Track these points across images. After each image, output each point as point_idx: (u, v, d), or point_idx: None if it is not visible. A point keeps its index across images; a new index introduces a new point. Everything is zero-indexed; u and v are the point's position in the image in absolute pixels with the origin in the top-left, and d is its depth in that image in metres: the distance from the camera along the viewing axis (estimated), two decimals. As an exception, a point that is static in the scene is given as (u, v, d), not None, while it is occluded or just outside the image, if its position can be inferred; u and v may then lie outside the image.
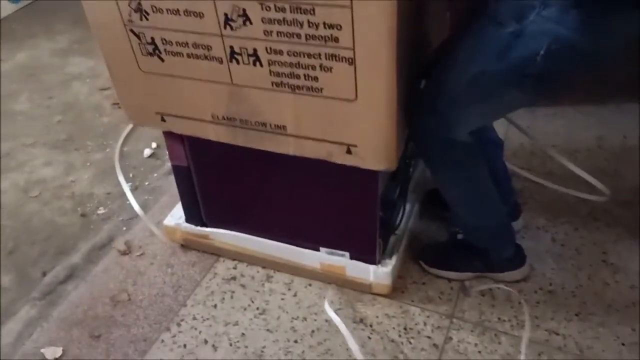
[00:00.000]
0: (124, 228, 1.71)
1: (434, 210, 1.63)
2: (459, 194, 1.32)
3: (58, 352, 1.34)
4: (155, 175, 1.92)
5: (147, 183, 1.89)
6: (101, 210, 1.79)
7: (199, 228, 1.53)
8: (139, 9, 1.10)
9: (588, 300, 1.36)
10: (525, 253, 1.42)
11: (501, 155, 1.49)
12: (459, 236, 1.49)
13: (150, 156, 2.01)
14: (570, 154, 1.66)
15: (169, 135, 1.37)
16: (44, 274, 1.57)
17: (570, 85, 1.21)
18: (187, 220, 1.54)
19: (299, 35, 1.01)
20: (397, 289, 1.42)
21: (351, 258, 1.39)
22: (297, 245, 1.44)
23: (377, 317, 1.36)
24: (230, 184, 1.42)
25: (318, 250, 1.41)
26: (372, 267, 1.37)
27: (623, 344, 1.25)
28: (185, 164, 1.41)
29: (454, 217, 1.43)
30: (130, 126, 2.13)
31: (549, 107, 2.00)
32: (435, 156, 1.26)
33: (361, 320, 1.35)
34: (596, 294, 1.37)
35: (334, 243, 1.39)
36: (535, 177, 1.70)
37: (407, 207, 1.55)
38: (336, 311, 1.36)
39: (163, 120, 1.29)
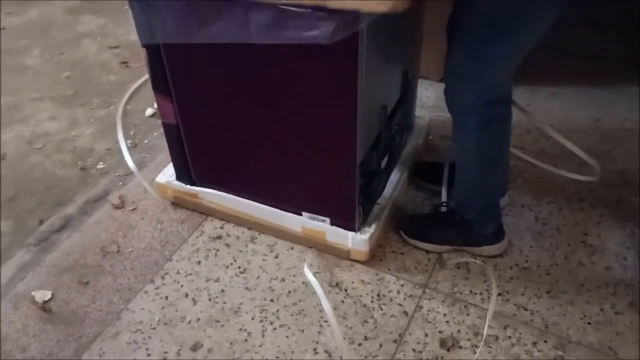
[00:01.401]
0: (120, 183, 1.76)
1: (422, 182, 1.65)
2: (478, 156, 1.32)
3: (47, 295, 1.40)
4: (155, 134, 1.96)
5: (146, 141, 1.94)
6: (100, 165, 1.85)
7: (188, 188, 1.57)
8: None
9: (561, 279, 1.38)
10: (504, 229, 1.44)
11: None
12: (443, 209, 1.52)
13: (152, 115, 2.05)
14: (565, 133, 1.65)
15: (158, 92, 1.40)
16: (41, 222, 1.64)
17: None
18: (178, 178, 1.58)
19: None
20: (376, 257, 1.45)
21: (331, 224, 1.42)
22: (281, 209, 1.47)
23: (352, 282, 1.40)
24: (217, 143, 1.45)
25: (301, 214, 1.45)
26: (350, 234, 1.41)
27: (589, 323, 1.27)
28: (175, 121, 1.45)
29: (458, 185, 1.43)
30: (135, 85, 2.17)
31: (549, 86, 1.99)
32: (470, 113, 1.26)
33: (337, 285, 1.39)
34: (570, 273, 1.39)
35: (315, 208, 1.42)
36: (526, 156, 1.71)
37: (395, 177, 1.58)
38: (314, 274, 1.40)
39: None
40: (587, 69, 2.07)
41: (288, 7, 1.04)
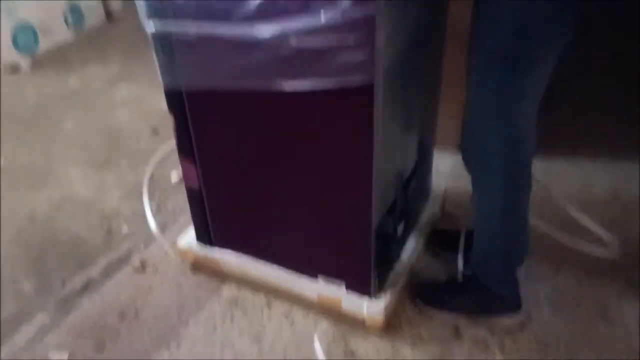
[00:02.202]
0: (142, 246, 1.81)
1: (438, 249, 1.65)
2: (503, 203, 1.32)
3: (64, 356, 1.42)
4: (179, 198, 2.02)
5: (169, 205, 1.99)
6: (124, 228, 1.90)
7: (207, 251, 1.60)
8: None
9: (580, 352, 1.34)
10: (522, 299, 1.42)
11: None
12: (459, 277, 1.51)
13: (177, 180, 2.12)
14: (583, 204, 1.65)
15: (183, 156, 1.47)
16: (63, 284, 1.68)
17: None
18: (198, 238, 1.62)
19: None
20: (391, 325, 1.44)
21: (347, 289, 1.43)
22: (297, 270, 1.49)
23: (367, 352, 1.38)
24: (236, 204, 1.50)
25: (316, 277, 1.46)
26: (366, 302, 1.41)
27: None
28: (197, 184, 1.50)
29: (477, 243, 1.42)
30: (162, 151, 2.26)
31: (566, 156, 1.99)
32: (496, 155, 1.27)
33: (352, 353, 1.38)
34: (589, 347, 1.35)
35: (332, 271, 1.44)
36: (544, 225, 1.70)
37: (411, 244, 1.59)
38: (328, 344, 1.39)
39: None
40: (605, 140, 2.08)
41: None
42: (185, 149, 1.46)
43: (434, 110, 1.67)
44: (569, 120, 2.08)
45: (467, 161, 1.37)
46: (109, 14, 3.50)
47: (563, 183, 1.87)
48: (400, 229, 1.50)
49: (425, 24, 1.32)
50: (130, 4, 3.53)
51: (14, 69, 3.04)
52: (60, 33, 3.25)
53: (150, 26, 1.23)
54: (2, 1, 2.93)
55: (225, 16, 1.13)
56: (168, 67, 1.31)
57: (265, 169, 1.38)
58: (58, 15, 3.22)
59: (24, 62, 3.06)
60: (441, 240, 1.66)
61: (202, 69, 1.26)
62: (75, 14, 3.30)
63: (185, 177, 1.53)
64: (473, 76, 1.26)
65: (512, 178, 1.29)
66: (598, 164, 1.96)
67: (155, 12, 1.21)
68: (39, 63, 3.10)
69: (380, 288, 1.44)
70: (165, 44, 1.27)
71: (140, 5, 1.22)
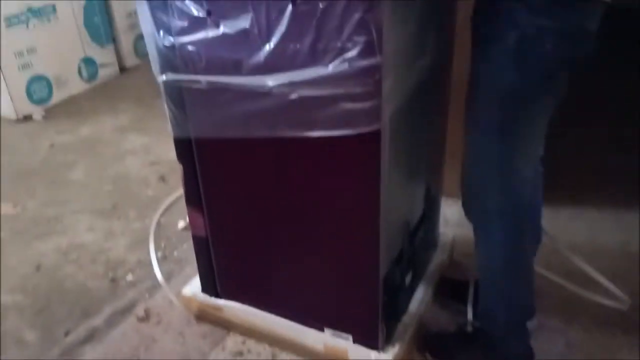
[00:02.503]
0: (147, 295, 1.79)
1: (447, 300, 1.63)
2: (503, 261, 1.31)
3: (64, 409, 1.40)
4: (185, 246, 2.02)
5: (175, 254, 1.99)
6: (129, 277, 1.89)
7: (212, 301, 1.59)
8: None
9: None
10: (534, 354, 1.39)
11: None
12: (468, 328, 1.48)
13: (184, 229, 2.12)
14: (591, 256, 1.63)
15: (191, 205, 1.47)
16: (66, 334, 1.66)
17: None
18: (203, 290, 1.61)
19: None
20: (399, 379, 1.41)
21: (354, 341, 1.40)
22: (303, 323, 1.47)
23: (374, 405, 1.35)
24: (243, 254, 1.49)
25: (323, 330, 1.44)
26: (373, 354, 1.38)
27: None
28: (204, 234, 1.50)
29: (483, 295, 1.41)
30: (170, 199, 2.27)
31: (573, 207, 1.99)
32: (494, 212, 1.27)
33: (358, 408, 1.34)
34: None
35: (338, 323, 1.41)
36: (553, 276, 1.67)
37: (420, 294, 1.57)
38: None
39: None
40: (612, 190, 2.08)
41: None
42: (193, 198, 1.47)
43: (440, 158, 1.68)
44: (574, 169, 2.09)
45: (468, 212, 1.37)
46: (122, 68, 3.59)
47: (569, 233, 1.86)
48: (408, 278, 1.48)
49: (430, 73, 1.35)
50: (144, 58, 3.64)
51: (27, 118, 3.11)
52: (74, 85, 3.33)
53: (162, 77, 1.26)
54: (18, 55, 3.02)
55: (236, 68, 1.16)
56: (178, 116, 1.34)
57: (272, 218, 1.38)
58: (73, 68, 3.31)
59: (36, 112, 3.13)
60: (450, 290, 1.64)
61: (211, 118, 1.29)
62: (89, 67, 3.39)
63: (193, 225, 1.53)
64: (467, 138, 1.28)
65: (513, 233, 1.29)
66: (604, 214, 1.96)
67: (167, 64, 1.24)
68: (52, 113, 3.17)
69: (388, 340, 1.41)
70: (176, 94, 1.30)
71: (153, 57, 1.25)
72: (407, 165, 1.38)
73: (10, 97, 3.04)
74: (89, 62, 3.38)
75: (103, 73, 3.47)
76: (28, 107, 3.12)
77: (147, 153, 2.70)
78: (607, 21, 1.15)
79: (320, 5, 1.03)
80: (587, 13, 1.10)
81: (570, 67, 1.16)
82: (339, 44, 1.05)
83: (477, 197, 1.30)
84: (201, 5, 1.14)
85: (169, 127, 1.35)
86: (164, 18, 1.20)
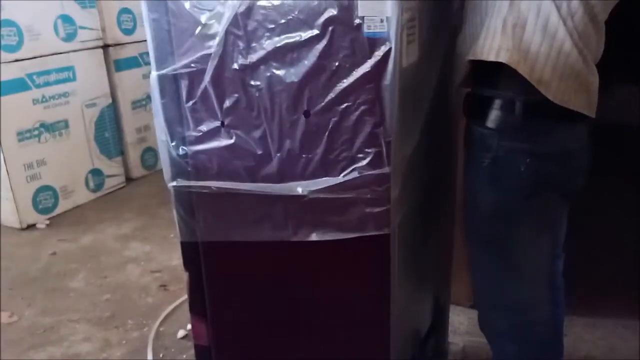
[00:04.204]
0: (143, 409, 1.70)
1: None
2: None
3: None
4: (185, 356, 1.95)
5: (174, 364, 1.91)
6: (125, 389, 1.80)
7: (213, 414, 1.50)
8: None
9: None
10: None
11: None
12: None
13: (184, 337, 2.06)
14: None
15: (195, 314, 1.44)
16: None
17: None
18: (203, 404, 1.52)
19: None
20: None
21: None
22: None
23: None
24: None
25: None
26: None
27: None
28: (207, 343, 1.45)
29: None
30: (170, 307, 2.22)
31: (588, 316, 1.94)
32: (505, 332, 1.23)
33: None
34: None
35: None
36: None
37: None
38: None
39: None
40: (628, 300, 2.04)
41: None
42: (197, 306, 1.43)
43: (448, 265, 1.68)
44: (589, 275, 2.06)
45: (482, 328, 1.33)
46: (129, 179, 3.67)
47: (585, 344, 1.80)
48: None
49: (436, 179, 1.39)
50: (151, 169, 3.74)
51: (30, 227, 3.12)
52: (80, 195, 3.38)
53: (173, 183, 1.29)
54: (27, 167, 3.09)
55: (247, 175, 1.20)
56: (186, 220, 1.35)
57: (279, 323, 1.35)
58: (80, 179, 3.38)
59: (40, 222, 3.15)
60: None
61: (220, 222, 1.30)
62: (96, 178, 3.47)
63: (195, 335, 1.48)
64: (469, 251, 1.28)
65: (529, 353, 1.24)
66: (622, 323, 1.91)
67: (179, 171, 1.28)
68: (56, 221, 3.19)
69: None
70: (185, 199, 1.32)
71: (165, 164, 1.29)
72: (416, 271, 1.37)
73: (16, 207, 3.07)
74: (96, 173, 3.46)
75: (109, 184, 3.54)
76: (33, 217, 3.14)
77: (148, 261, 2.68)
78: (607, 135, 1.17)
79: (333, 119, 1.10)
80: (565, 134, 1.12)
81: (557, 187, 1.16)
82: (349, 155, 1.10)
83: (485, 315, 1.27)
84: (216, 116, 1.20)
85: (177, 232, 1.36)
86: (179, 128, 1.25)
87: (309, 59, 1.08)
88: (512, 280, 1.19)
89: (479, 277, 1.26)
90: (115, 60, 3.48)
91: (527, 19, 1.05)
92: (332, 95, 1.08)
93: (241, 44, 1.13)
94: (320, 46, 1.07)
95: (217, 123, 1.20)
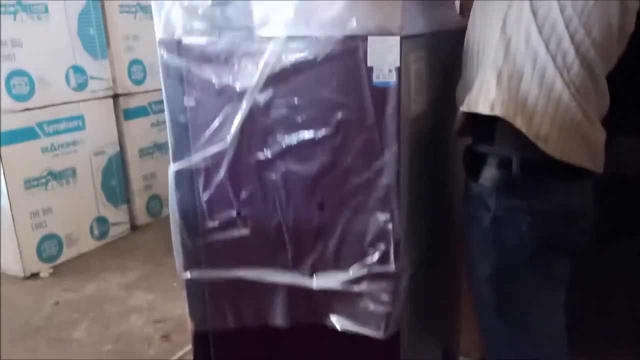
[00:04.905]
0: None
1: None
2: None
3: None
4: (186, 412, 1.89)
5: (176, 420, 1.85)
6: None
7: None
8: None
9: None
10: None
11: None
12: None
13: (186, 392, 2.00)
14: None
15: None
16: None
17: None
18: None
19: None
20: None
21: None
22: None
23: None
24: None
25: None
26: None
27: None
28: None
29: None
30: (173, 358, 2.17)
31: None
32: None
33: None
34: None
35: None
36: None
37: None
38: None
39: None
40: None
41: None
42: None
43: (456, 316, 1.65)
44: (598, 328, 2.02)
45: None
46: (134, 226, 3.67)
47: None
48: None
49: (443, 231, 1.38)
50: (156, 217, 3.73)
51: (34, 276, 3.09)
52: (84, 243, 3.37)
53: (186, 274, 1.29)
54: (33, 215, 3.09)
55: (261, 264, 1.20)
56: (198, 309, 1.35)
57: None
58: (85, 227, 3.37)
59: (44, 270, 3.12)
60: None
61: (232, 308, 1.30)
62: (101, 226, 3.46)
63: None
64: (478, 317, 1.25)
65: None
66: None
67: (192, 261, 1.28)
68: (59, 270, 3.16)
69: None
70: (197, 287, 1.32)
71: (178, 254, 1.29)
72: (424, 329, 1.35)
73: (20, 255, 3.05)
74: (101, 221, 3.46)
75: (114, 231, 3.53)
76: (36, 265, 3.12)
77: (152, 311, 2.64)
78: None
79: (346, 213, 1.11)
80: (567, 191, 1.07)
81: (561, 246, 1.12)
82: (360, 251, 1.11)
83: None
84: (231, 207, 1.21)
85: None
86: (194, 219, 1.26)
87: (324, 155, 1.11)
88: (525, 341, 1.15)
89: (488, 337, 1.22)
90: (124, 109, 3.53)
91: (524, 70, 1.03)
92: (345, 189, 1.10)
93: (257, 140, 1.15)
94: (334, 143, 1.09)
95: (233, 214, 1.21)
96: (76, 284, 2.98)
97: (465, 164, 1.20)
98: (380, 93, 1.04)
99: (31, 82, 2.99)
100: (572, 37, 1.00)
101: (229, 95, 1.14)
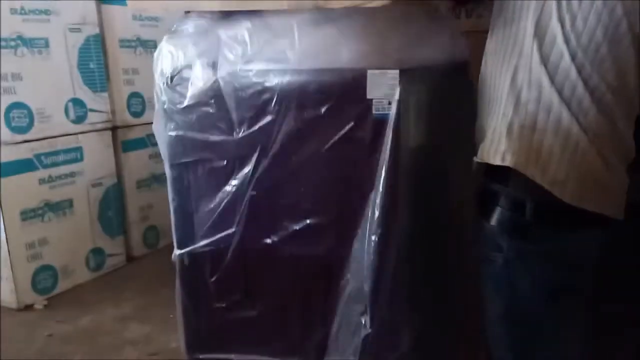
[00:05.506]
0: None
1: None
2: None
3: None
4: None
5: None
6: None
7: None
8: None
9: None
10: None
11: None
12: None
13: None
14: None
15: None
16: None
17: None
18: None
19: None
20: None
21: None
22: None
23: None
24: None
25: None
26: None
27: None
28: None
29: None
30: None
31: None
32: None
33: None
34: None
35: None
36: None
37: None
38: None
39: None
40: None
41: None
42: None
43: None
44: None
45: None
46: (130, 257, 3.65)
47: None
48: None
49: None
50: (152, 248, 3.72)
51: (27, 307, 3.07)
52: (80, 274, 3.34)
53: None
54: (29, 247, 3.08)
55: (268, 345, 1.24)
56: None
57: None
58: (81, 258, 3.36)
59: (38, 302, 3.10)
60: None
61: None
62: (97, 257, 3.44)
63: None
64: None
65: None
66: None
67: (198, 342, 1.28)
68: (54, 302, 3.14)
69: None
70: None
71: (182, 336, 1.29)
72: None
73: (15, 287, 3.03)
74: (97, 252, 3.44)
75: (110, 263, 3.51)
76: (31, 297, 3.09)
77: (147, 343, 2.61)
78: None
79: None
80: (583, 239, 1.04)
81: (577, 292, 1.08)
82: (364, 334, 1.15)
83: None
84: (239, 289, 1.21)
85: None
86: (200, 301, 1.26)
87: (328, 237, 1.12)
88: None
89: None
90: (123, 141, 3.56)
91: (537, 118, 1.01)
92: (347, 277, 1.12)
93: (263, 224, 1.17)
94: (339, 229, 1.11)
95: (240, 295, 1.21)
96: (71, 316, 2.95)
97: (477, 202, 1.18)
98: (379, 124, 1.06)
99: (30, 115, 3.02)
100: (585, 83, 0.98)
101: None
